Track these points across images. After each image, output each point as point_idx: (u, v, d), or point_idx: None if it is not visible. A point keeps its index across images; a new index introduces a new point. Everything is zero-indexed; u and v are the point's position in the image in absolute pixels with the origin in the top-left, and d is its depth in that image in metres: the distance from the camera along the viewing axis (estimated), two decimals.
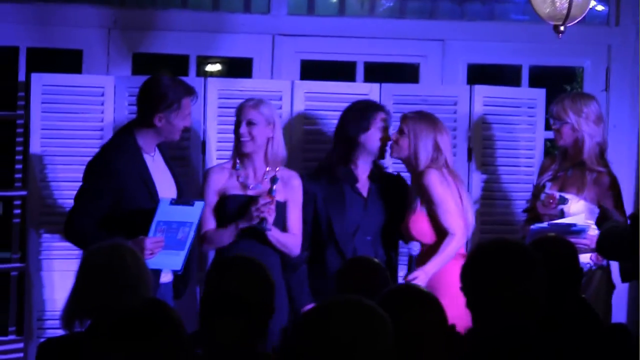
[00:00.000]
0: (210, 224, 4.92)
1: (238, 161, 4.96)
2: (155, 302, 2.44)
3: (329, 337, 2.13)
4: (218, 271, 3.16)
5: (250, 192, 4.90)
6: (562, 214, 5.06)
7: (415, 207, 4.99)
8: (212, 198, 4.94)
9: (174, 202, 4.61)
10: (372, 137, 5.08)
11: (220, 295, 3.04)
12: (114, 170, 4.65)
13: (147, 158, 4.78)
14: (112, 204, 4.65)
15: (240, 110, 4.96)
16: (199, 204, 4.68)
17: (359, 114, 5.12)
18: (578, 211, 5.01)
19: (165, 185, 4.77)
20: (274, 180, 4.80)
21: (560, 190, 5.13)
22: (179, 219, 4.61)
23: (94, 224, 4.61)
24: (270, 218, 4.77)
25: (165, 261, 4.64)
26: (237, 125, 4.94)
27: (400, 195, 5.14)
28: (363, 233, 5.06)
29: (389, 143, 5.10)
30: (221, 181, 4.94)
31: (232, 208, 4.88)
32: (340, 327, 2.14)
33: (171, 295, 4.81)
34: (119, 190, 4.64)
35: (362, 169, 5.15)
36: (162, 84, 4.79)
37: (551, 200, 5.03)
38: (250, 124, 4.90)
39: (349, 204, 5.07)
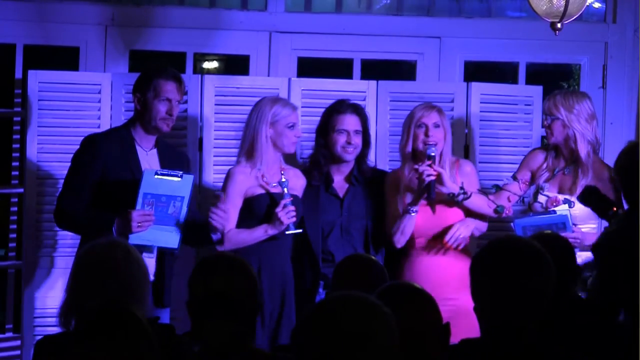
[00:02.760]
0: (232, 224, 4.83)
1: (259, 161, 4.87)
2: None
3: (337, 332, 2.12)
4: (202, 272, 3.11)
5: (272, 190, 4.86)
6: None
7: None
8: (238, 199, 4.85)
9: (160, 173, 4.53)
10: (333, 141, 5.05)
11: (207, 296, 3.01)
12: (98, 148, 4.67)
13: (140, 151, 4.78)
14: (97, 184, 4.62)
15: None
16: (187, 177, 4.60)
17: (324, 116, 5.12)
18: (582, 212, 4.94)
19: None
20: (282, 183, 4.80)
21: (560, 191, 5.08)
22: (167, 193, 4.55)
23: (82, 203, 4.61)
24: (296, 219, 4.79)
25: (160, 237, 4.57)
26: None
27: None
28: (340, 233, 5.02)
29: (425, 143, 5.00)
30: (245, 182, 4.87)
31: (260, 209, 4.84)
32: (348, 322, 2.13)
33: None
34: (103, 168, 4.64)
35: (339, 170, 5.12)
36: (147, 69, 4.86)
37: (555, 204, 5.00)
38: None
39: (322, 205, 5.02)
